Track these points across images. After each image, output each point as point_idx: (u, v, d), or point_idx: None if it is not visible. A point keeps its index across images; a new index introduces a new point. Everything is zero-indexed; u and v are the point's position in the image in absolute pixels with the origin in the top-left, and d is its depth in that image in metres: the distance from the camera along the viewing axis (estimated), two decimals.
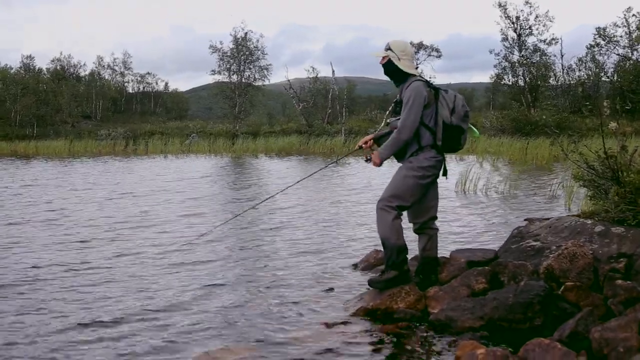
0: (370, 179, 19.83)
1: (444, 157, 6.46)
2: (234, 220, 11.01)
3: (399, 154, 6.43)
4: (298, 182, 8.59)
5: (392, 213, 6.26)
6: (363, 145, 6.76)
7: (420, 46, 78.14)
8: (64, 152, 40.96)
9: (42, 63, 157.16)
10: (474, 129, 6.69)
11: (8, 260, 8.64)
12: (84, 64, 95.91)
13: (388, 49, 6.47)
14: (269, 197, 10.18)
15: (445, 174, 6.54)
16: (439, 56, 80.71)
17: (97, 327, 5.81)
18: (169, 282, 7.42)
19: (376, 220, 6.38)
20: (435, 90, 6.36)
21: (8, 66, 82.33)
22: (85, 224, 11.78)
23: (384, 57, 6.47)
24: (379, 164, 6.50)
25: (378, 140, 6.67)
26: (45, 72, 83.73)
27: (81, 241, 10.00)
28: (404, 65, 6.44)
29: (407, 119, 6.19)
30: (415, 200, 6.37)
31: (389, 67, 6.48)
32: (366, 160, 6.74)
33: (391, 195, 6.29)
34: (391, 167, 7.04)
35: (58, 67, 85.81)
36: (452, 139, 6.38)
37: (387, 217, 6.25)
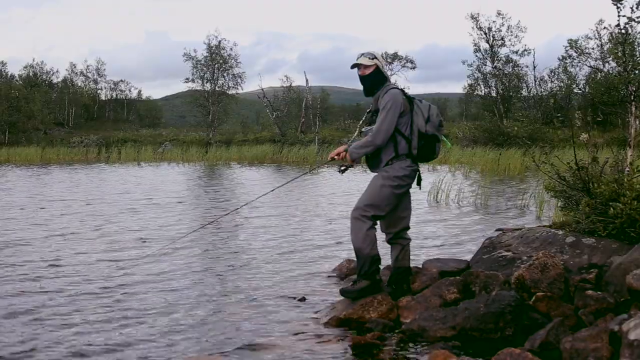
0: (343, 189, 19.84)
1: (419, 166, 6.47)
2: (207, 230, 10.97)
3: (373, 163, 6.43)
4: (271, 191, 8.55)
5: (367, 223, 6.26)
6: (336, 157, 6.74)
7: (395, 57, 78.38)
8: (36, 160, 40.60)
9: (15, 69, 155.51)
10: (446, 139, 6.71)
11: None
12: (57, 71, 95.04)
13: (374, 57, 6.47)
14: (241, 207, 10.09)
15: (419, 183, 6.55)
16: (413, 67, 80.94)
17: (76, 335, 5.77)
18: (137, 289, 7.37)
19: (350, 230, 6.37)
20: (409, 99, 6.37)
21: None
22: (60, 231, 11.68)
23: (370, 67, 6.46)
24: (352, 163, 6.50)
25: None
26: (18, 79, 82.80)
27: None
28: (386, 73, 6.52)
29: (383, 124, 6.18)
30: (390, 210, 6.38)
31: (376, 76, 6.47)
32: (340, 171, 6.74)
33: (367, 205, 6.28)
34: (358, 176, 7.04)
35: (30, 74, 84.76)
36: (427, 148, 6.39)
37: (361, 226, 6.25)
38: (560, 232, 6.82)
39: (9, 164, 37.75)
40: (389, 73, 6.46)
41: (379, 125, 6.20)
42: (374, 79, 6.46)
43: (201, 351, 5.38)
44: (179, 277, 8.03)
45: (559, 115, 48.14)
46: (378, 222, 6.47)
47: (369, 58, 6.44)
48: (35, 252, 9.63)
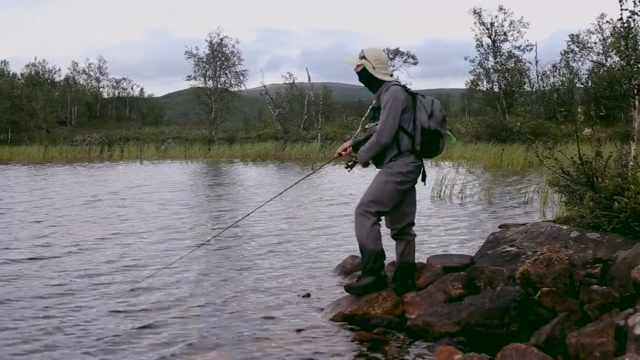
0: (346, 186, 19.83)
1: (423, 162, 6.45)
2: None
3: (378, 159, 6.40)
4: (278, 195, 8.58)
5: (371, 219, 6.24)
6: (342, 153, 6.74)
7: (396, 53, 78.47)
8: (39, 158, 40.63)
9: (17, 68, 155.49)
10: (451, 135, 6.68)
11: None
12: (59, 69, 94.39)
13: (362, 57, 6.44)
14: (247, 215, 9.96)
15: (424, 179, 6.53)
16: (415, 63, 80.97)
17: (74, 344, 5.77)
18: (141, 286, 7.37)
19: (354, 226, 6.36)
20: (412, 95, 6.35)
21: None
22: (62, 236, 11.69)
23: (358, 66, 6.45)
24: (365, 165, 6.49)
25: (356, 147, 6.64)
26: (20, 77, 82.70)
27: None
28: (378, 74, 6.41)
29: (386, 123, 6.16)
30: (394, 206, 6.37)
31: (364, 75, 6.46)
32: (347, 167, 6.75)
33: (370, 201, 6.27)
34: (362, 173, 7.03)
35: (33, 72, 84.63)
36: (431, 144, 6.35)
37: (366, 222, 6.24)
38: (565, 227, 6.81)
39: (13, 162, 37.80)
40: (390, 69, 6.22)
41: (382, 124, 6.18)
42: (365, 77, 6.48)
43: (206, 348, 5.39)
44: (183, 275, 8.02)
45: (561, 110, 47.92)
46: (383, 217, 6.46)
47: (359, 57, 6.45)
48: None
